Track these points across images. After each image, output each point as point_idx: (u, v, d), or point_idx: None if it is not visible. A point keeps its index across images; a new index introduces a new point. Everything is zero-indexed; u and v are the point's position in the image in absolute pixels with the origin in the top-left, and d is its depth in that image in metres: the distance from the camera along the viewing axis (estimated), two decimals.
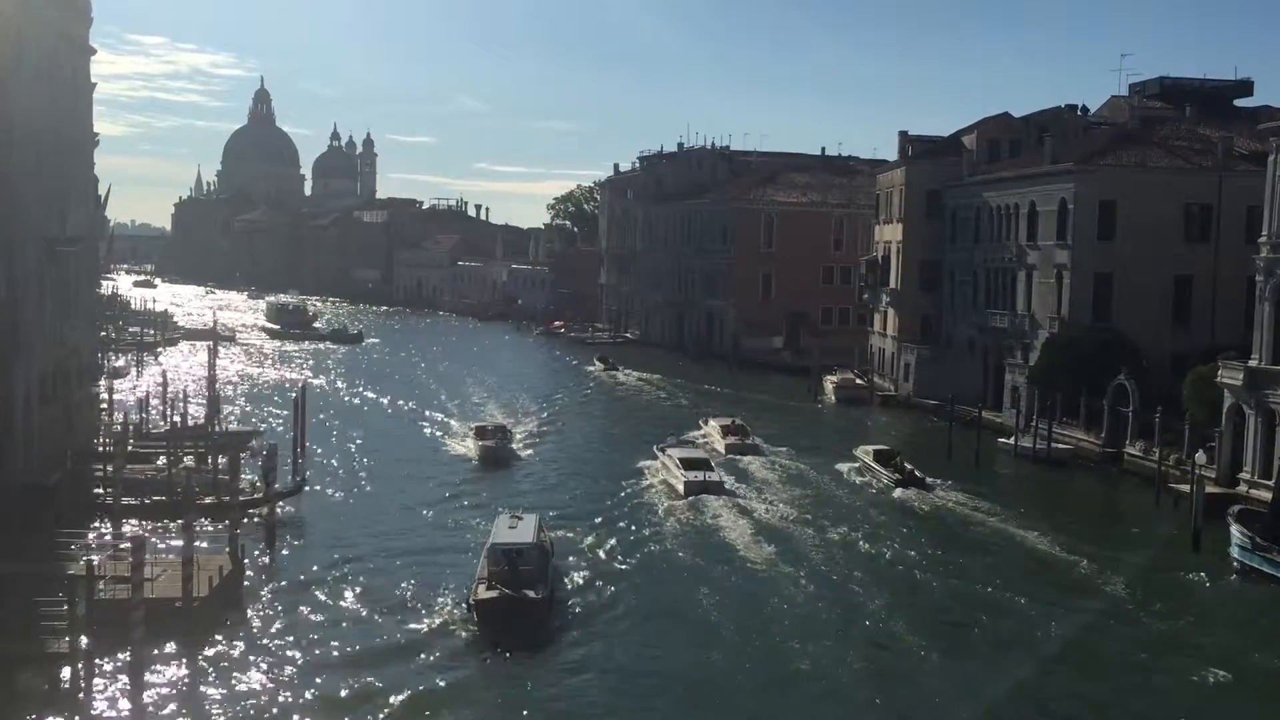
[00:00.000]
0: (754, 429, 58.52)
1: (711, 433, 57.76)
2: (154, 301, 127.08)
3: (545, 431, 61.87)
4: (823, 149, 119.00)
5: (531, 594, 28.87)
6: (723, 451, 54.23)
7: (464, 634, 28.70)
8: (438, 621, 29.64)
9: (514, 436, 55.76)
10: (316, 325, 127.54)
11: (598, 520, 41.16)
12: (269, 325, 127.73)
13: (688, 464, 46.74)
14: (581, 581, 33.86)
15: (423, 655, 27.64)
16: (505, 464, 51.33)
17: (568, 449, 57.62)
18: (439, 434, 59.55)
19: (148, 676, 25.14)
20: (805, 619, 31.19)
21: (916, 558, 37.59)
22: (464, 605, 29.60)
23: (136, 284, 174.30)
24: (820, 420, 69.51)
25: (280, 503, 39.45)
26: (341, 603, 31.27)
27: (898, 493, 46.27)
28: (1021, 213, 63.75)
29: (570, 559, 35.72)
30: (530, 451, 55.29)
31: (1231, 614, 33.52)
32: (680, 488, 45.16)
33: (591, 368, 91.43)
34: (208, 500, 38.23)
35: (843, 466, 51.45)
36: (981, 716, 25.72)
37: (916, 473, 48.13)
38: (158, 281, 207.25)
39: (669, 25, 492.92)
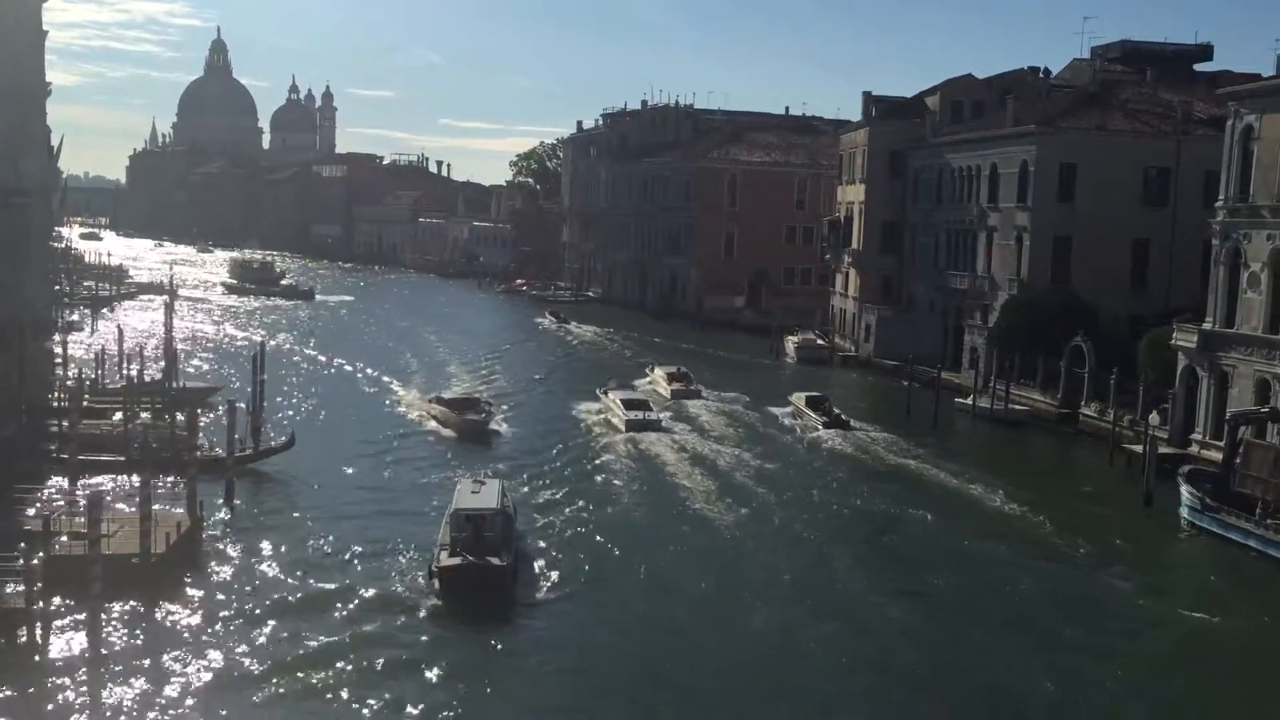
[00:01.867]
0: (715, 387, 59.78)
1: (657, 380, 61.37)
2: (108, 255, 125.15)
3: (497, 379, 64.74)
4: (786, 109, 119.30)
5: (496, 561, 28.21)
6: (668, 397, 57.68)
7: (426, 600, 28.03)
8: (399, 587, 28.94)
9: (493, 410, 50.90)
10: (285, 282, 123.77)
11: (547, 455, 44.77)
12: (228, 281, 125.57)
13: (629, 404, 51.08)
14: (532, 522, 34.37)
15: (383, 620, 26.96)
16: (484, 439, 47.00)
17: (517, 395, 60.23)
18: (400, 394, 58.49)
19: (105, 633, 24.95)
20: (739, 547, 33.92)
21: (839, 490, 41.03)
22: (426, 571, 28.95)
23: (83, 236, 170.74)
24: (779, 380, 69.97)
25: (264, 460, 40.47)
26: (302, 563, 30.62)
27: (825, 434, 50.05)
28: (983, 174, 64.07)
29: (520, 493, 37.01)
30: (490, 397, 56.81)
31: (1180, 572, 34.21)
32: (622, 425, 49.18)
33: (543, 320, 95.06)
34: (168, 457, 37.75)
35: (777, 411, 55.29)
36: (907, 651, 26.80)
37: (843, 416, 52.14)
38: (105, 234, 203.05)
39: None
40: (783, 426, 52.60)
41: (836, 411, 52.44)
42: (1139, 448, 43.11)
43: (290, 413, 51.67)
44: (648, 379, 62.68)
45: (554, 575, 30.49)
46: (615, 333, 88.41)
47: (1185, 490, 37.68)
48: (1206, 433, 43.83)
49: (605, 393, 54.97)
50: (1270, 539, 33.86)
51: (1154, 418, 45.30)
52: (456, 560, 28.10)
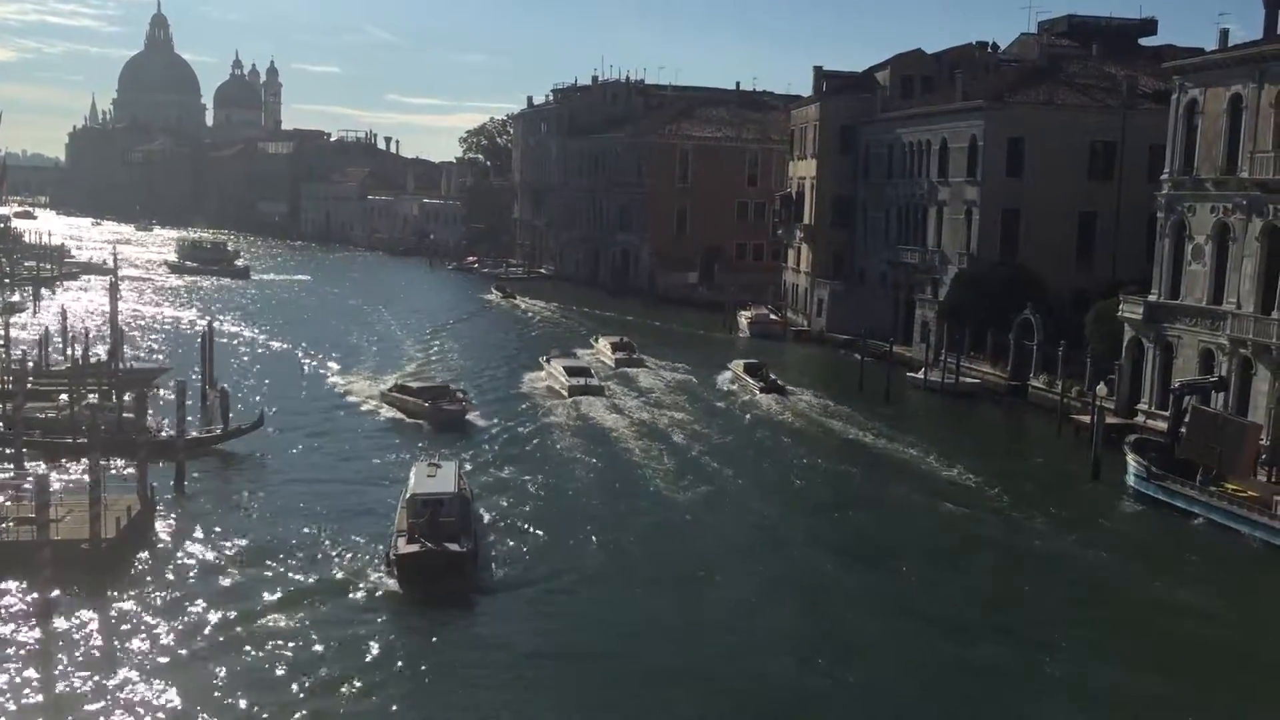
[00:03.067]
0: (666, 360, 61.61)
1: (602, 350, 64.02)
2: (49, 235, 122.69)
3: (452, 355, 65.92)
4: (737, 84, 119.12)
5: (455, 547, 27.54)
6: (613, 366, 60.27)
7: (384, 587, 27.33)
8: (356, 573, 28.22)
9: (468, 397, 48.28)
10: (238, 263, 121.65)
11: (494, 419, 47.14)
12: (175, 261, 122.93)
13: (570, 371, 54.05)
14: (484, 497, 34.41)
15: (340, 608, 26.37)
16: (460, 428, 44.92)
17: (468, 364, 61.98)
18: (353, 378, 56.74)
19: (54, 619, 24.64)
20: (690, 511, 35.08)
21: (777, 451, 43.19)
22: (384, 558, 28.27)
23: (17, 215, 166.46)
24: (726, 352, 70.26)
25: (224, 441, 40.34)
26: (255, 549, 29.97)
27: (761, 398, 52.80)
28: (933, 149, 64.50)
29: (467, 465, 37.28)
30: (435, 372, 58.31)
31: (1125, 539, 34.85)
32: (565, 391, 52.08)
33: (490, 296, 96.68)
34: (116, 440, 37.15)
35: (717, 377, 57.88)
36: (850, 608, 27.67)
37: (779, 382, 54.87)
38: (40, 213, 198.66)
39: None
40: (722, 392, 55.03)
41: (773, 377, 55.16)
42: (1087, 418, 43.82)
43: (242, 395, 50.79)
44: (592, 350, 65.00)
45: (510, 556, 30.16)
46: (565, 308, 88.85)
47: (1131, 459, 38.36)
48: (1153, 403, 44.61)
49: (548, 361, 57.57)
50: (1213, 505, 34.59)
51: (1101, 388, 46.01)
52: (415, 547, 27.42)
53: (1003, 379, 54.53)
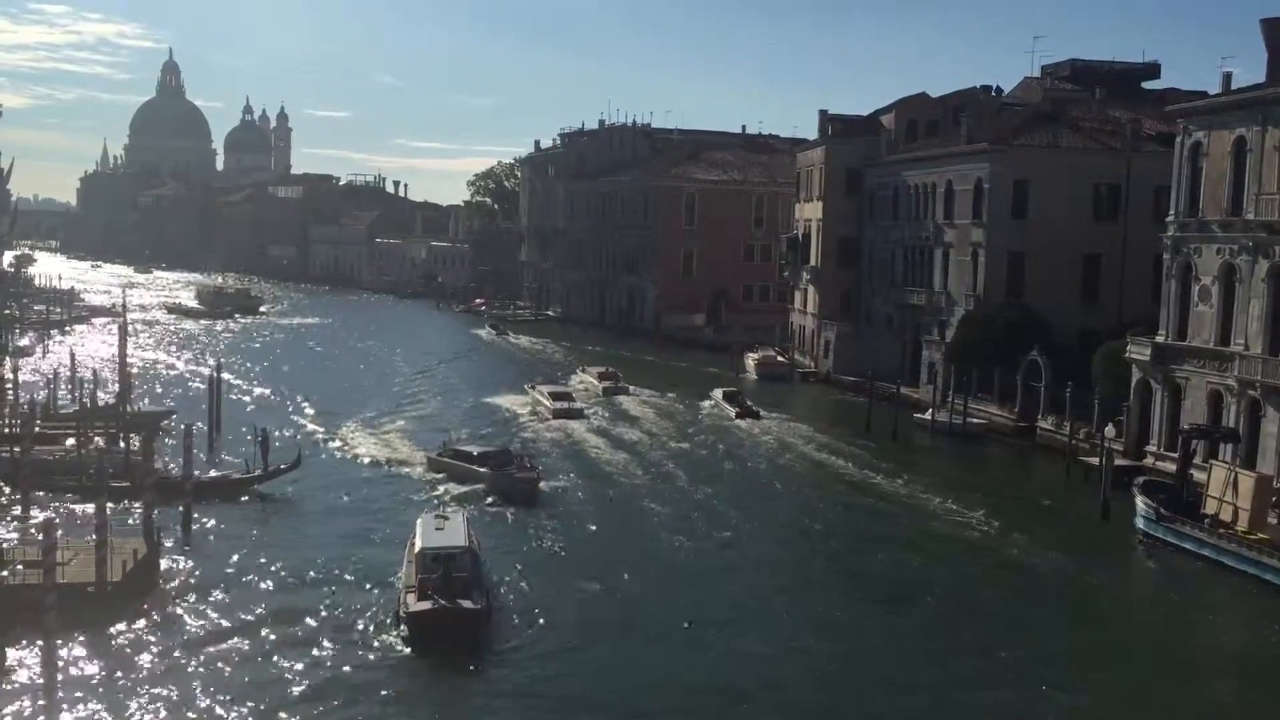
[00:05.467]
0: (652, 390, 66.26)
1: (589, 379, 68.58)
2: (59, 279, 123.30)
3: (450, 380, 71.89)
4: (743, 127, 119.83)
5: (468, 604, 26.40)
6: (600, 394, 64.33)
7: (394, 645, 26.44)
8: (365, 631, 27.34)
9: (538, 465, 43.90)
10: (263, 310, 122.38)
11: (488, 430, 52.36)
12: (193, 306, 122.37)
13: (554, 396, 58.81)
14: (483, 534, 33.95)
15: (349, 666, 25.45)
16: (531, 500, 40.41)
17: (458, 392, 66.68)
18: (366, 418, 56.66)
19: (60, 663, 24.45)
20: (690, 547, 35.70)
21: (787, 494, 44.01)
22: (393, 615, 27.41)
23: (17, 259, 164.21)
24: (711, 383, 70.34)
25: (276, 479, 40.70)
26: (262, 599, 29.47)
27: (738, 421, 57.01)
28: (938, 191, 64.75)
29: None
30: (435, 398, 63.86)
31: (1134, 581, 34.61)
32: (549, 414, 56.45)
33: (481, 331, 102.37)
34: (123, 484, 37.12)
35: (699, 404, 62.08)
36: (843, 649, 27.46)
37: (754, 408, 59.20)
38: (38, 255, 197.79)
39: (589, 0, 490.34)
40: (703, 416, 59.49)
41: (750, 404, 59.92)
42: (1095, 460, 43.63)
43: (250, 437, 50.24)
44: (579, 378, 69.67)
45: (519, 609, 29.04)
46: (572, 347, 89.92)
47: (1140, 501, 38.12)
48: (1161, 444, 44.41)
49: (533, 387, 62.95)
50: (1223, 548, 34.31)
51: (1109, 430, 45.76)
52: (427, 604, 26.24)
53: (1010, 420, 54.39)
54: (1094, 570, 34.72)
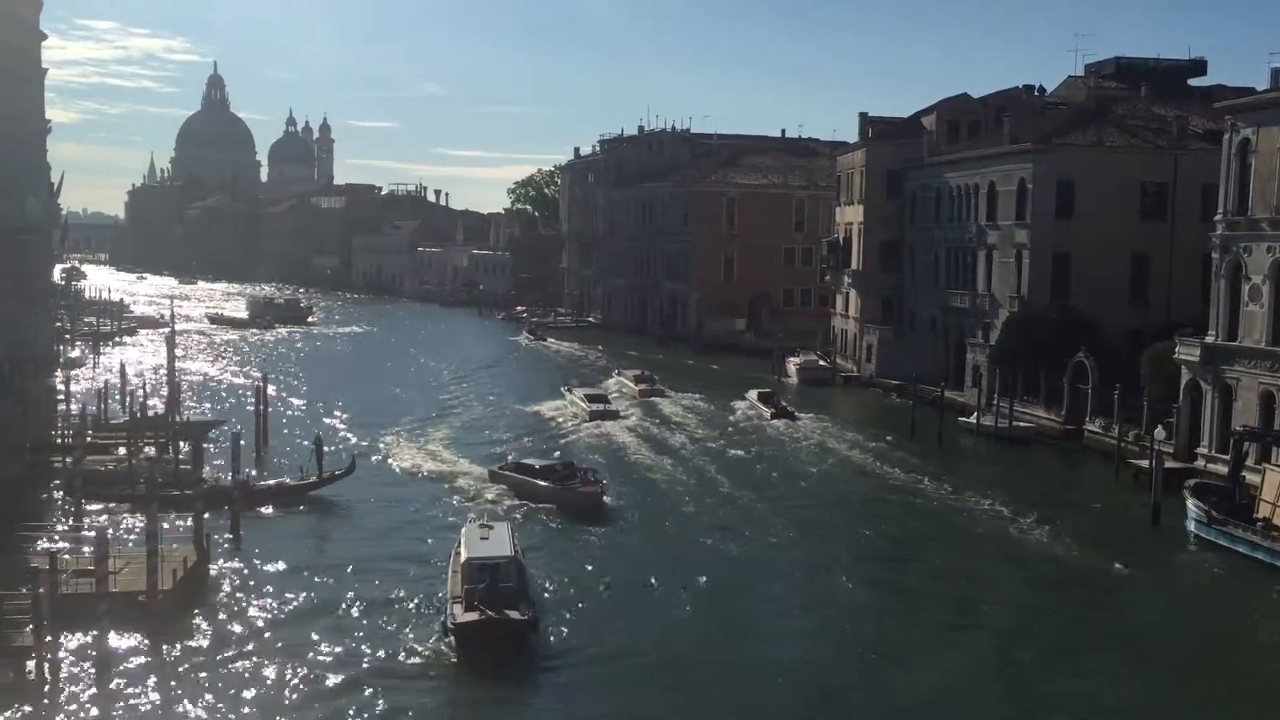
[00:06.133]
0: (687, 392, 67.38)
1: (625, 381, 69.98)
2: (109, 291, 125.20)
3: (493, 384, 73.87)
4: (783, 131, 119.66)
5: (515, 614, 26.38)
6: (636, 396, 65.74)
7: (441, 655, 26.41)
8: (412, 637, 27.45)
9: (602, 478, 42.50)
10: (311, 320, 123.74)
11: (527, 431, 54.92)
12: (242, 317, 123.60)
13: (590, 398, 60.51)
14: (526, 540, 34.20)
15: (396, 676, 25.48)
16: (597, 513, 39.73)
17: (497, 397, 67.69)
18: (410, 424, 56.97)
19: (112, 670, 24.83)
20: (736, 555, 35.26)
21: (832, 499, 43.56)
22: (440, 627, 27.34)
23: (64, 273, 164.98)
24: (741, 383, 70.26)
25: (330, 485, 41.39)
26: (310, 602, 29.81)
27: (773, 422, 57.92)
28: (981, 193, 64.22)
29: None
30: (476, 402, 65.44)
31: (1187, 585, 34.09)
32: (585, 416, 57.96)
33: (519, 338, 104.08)
34: (173, 492, 37.54)
35: (733, 405, 62.72)
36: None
37: (789, 407, 60.37)
38: (85, 268, 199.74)
39: (627, 7, 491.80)
40: (738, 417, 60.19)
41: (784, 404, 60.85)
42: (1145, 462, 43.07)
43: (308, 443, 50.21)
44: (614, 380, 71.25)
45: (564, 619, 28.84)
46: (612, 352, 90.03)
47: (1191, 503, 37.58)
48: (1212, 446, 43.75)
49: (569, 390, 64.58)
50: (1277, 551, 33.72)
51: (1159, 432, 45.18)
52: (474, 615, 26.16)
53: (1057, 423, 53.77)
54: (1146, 574, 34.24)
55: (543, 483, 40.58)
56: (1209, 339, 44.47)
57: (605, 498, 40.13)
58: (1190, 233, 54.96)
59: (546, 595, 30.55)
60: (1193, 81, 73.55)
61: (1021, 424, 54.41)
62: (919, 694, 25.39)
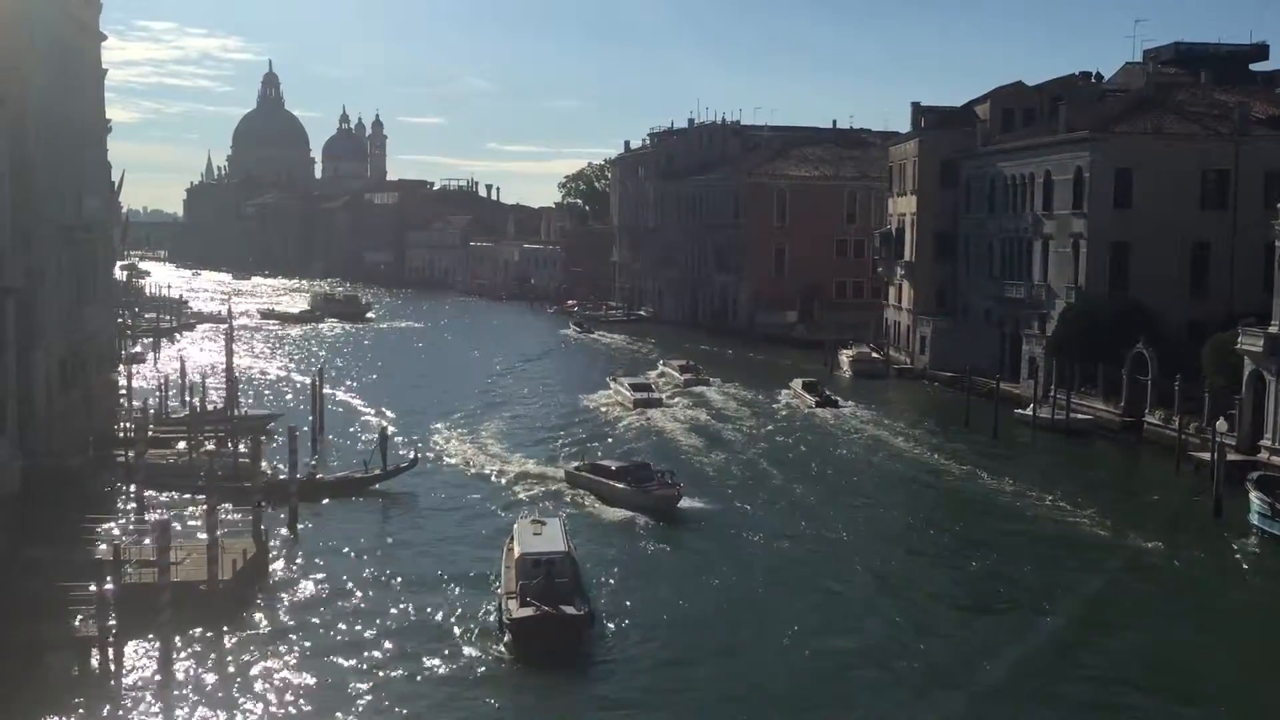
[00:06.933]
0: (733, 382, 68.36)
1: (670, 371, 71.65)
2: (168, 287, 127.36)
3: (546, 375, 76.59)
4: (834, 122, 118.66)
5: (571, 610, 26.35)
6: (681, 385, 67.22)
7: (497, 651, 26.47)
8: (468, 632, 27.51)
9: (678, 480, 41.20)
10: (370, 316, 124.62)
11: (575, 421, 56.29)
12: (305, 311, 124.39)
13: (635, 387, 62.28)
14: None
15: (453, 670, 25.59)
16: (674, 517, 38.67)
17: (547, 388, 69.83)
18: (464, 417, 57.11)
19: (174, 659, 25.29)
20: (792, 553, 35.06)
21: (890, 493, 43.32)
22: (496, 622, 27.35)
23: (123, 268, 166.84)
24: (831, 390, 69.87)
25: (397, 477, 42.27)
26: (366, 595, 30.07)
27: (818, 411, 58.86)
28: (1037, 182, 63.36)
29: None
30: (527, 393, 66.96)
31: (1252, 579, 33.45)
32: (630, 405, 59.51)
33: (567, 331, 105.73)
34: (233, 485, 38.01)
35: (779, 394, 63.87)
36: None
37: (833, 397, 61.12)
38: (145, 265, 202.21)
39: (675, 1, 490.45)
40: (782, 406, 61.28)
41: (829, 393, 61.52)
42: (1206, 455, 42.30)
43: (363, 437, 50.90)
44: (659, 370, 73.32)
45: (619, 614, 28.68)
46: (664, 345, 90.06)
47: (1255, 496, 36.90)
48: (1276, 438, 42.86)
49: (614, 380, 66.03)
50: None
51: (1221, 424, 44.32)
52: (530, 610, 26.16)
53: (1116, 415, 52.95)
54: (1210, 568, 33.72)
55: (619, 484, 39.76)
56: (1273, 329, 43.53)
57: (681, 501, 39.13)
58: (1253, 222, 53.87)
59: (604, 591, 30.43)
60: (1255, 66, 72.18)
61: (1079, 416, 53.65)
62: (998, 692, 24.88)
